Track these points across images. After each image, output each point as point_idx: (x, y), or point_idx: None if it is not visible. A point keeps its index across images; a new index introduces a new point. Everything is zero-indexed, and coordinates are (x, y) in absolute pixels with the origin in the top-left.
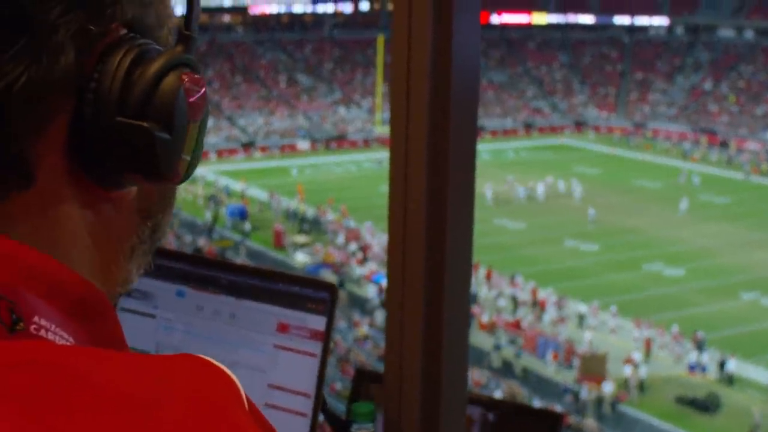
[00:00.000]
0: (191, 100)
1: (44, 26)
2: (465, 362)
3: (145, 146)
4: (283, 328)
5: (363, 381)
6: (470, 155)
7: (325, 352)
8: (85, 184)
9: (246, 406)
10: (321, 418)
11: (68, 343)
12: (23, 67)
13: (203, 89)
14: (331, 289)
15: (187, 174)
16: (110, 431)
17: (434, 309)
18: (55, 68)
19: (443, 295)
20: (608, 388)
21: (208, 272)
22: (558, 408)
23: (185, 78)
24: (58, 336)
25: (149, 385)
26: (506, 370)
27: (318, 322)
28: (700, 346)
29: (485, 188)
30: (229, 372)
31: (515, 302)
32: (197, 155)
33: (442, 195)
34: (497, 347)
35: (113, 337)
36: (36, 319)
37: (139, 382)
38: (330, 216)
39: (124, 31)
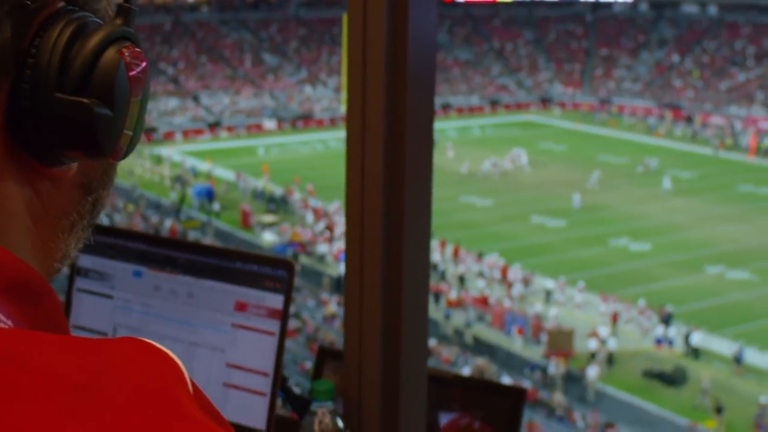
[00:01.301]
0: (132, 74)
1: None
2: (424, 339)
3: (85, 123)
4: (241, 306)
5: (325, 359)
6: (428, 131)
7: (283, 330)
8: (25, 161)
9: (190, 390)
10: (282, 396)
11: (6, 326)
12: None
13: (144, 63)
14: (289, 267)
15: (129, 150)
16: (50, 416)
17: (393, 286)
18: None
19: (402, 272)
20: (593, 371)
21: (164, 252)
22: (524, 383)
23: (125, 52)
24: None
25: (90, 369)
26: (458, 338)
27: (276, 301)
28: (666, 320)
29: (450, 164)
30: (173, 355)
31: (483, 278)
32: (139, 131)
33: (400, 173)
34: (447, 316)
35: (53, 320)
36: None
37: (79, 365)
38: (297, 195)
39: (62, 4)
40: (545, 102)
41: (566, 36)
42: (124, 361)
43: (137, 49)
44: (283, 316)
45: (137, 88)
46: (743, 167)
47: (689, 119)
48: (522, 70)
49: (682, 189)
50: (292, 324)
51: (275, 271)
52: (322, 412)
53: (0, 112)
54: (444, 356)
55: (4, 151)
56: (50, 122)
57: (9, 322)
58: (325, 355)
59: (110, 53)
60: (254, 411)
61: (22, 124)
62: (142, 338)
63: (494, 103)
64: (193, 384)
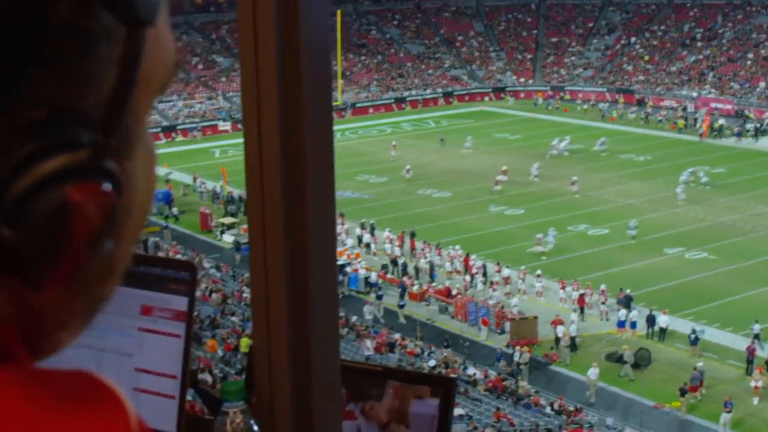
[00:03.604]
0: (77, 216)
1: None
2: (335, 331)
3: (8, 256)
4: (146, 310)
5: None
6: (326, 126)
7: (189, 332)
8: None
9: (134, 428)
10: (196, 397)
11: None
12: None
13: (101, 204)
14: (191, 269)
15: (81, 281)
16: None
17: (298, 273)
18: None
19: (306, 263)
20: (593, 372)
21: None
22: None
23: (77, 192)
24: None
25: (32, 403)
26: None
27: (180, 303)
28: (627, 303)
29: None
30: (119, 394)
31: (430, 268)
32: (93, 260)
33: (300, 163)
34: (379, 297)
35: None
36: None
37: (22, 399)
38: None
39: (37, 112)
40: (498, 92)
41: (516, 25)
42: (68, 398)
43: (97, 188)
44: (188, 318)
45: (81, 231)
46: (697, 148)
47: (641, 103)
48: (474, 61)
49: (638, 173)
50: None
51: (178, 274)
52: (234, 412)
53: None
54: (409, 349)
55: None
56: None
57: None
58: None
59: (55, 190)
60: (164, 414)
61: None
62: (92, 373)
63: (448, 95)
64: (140, 421)
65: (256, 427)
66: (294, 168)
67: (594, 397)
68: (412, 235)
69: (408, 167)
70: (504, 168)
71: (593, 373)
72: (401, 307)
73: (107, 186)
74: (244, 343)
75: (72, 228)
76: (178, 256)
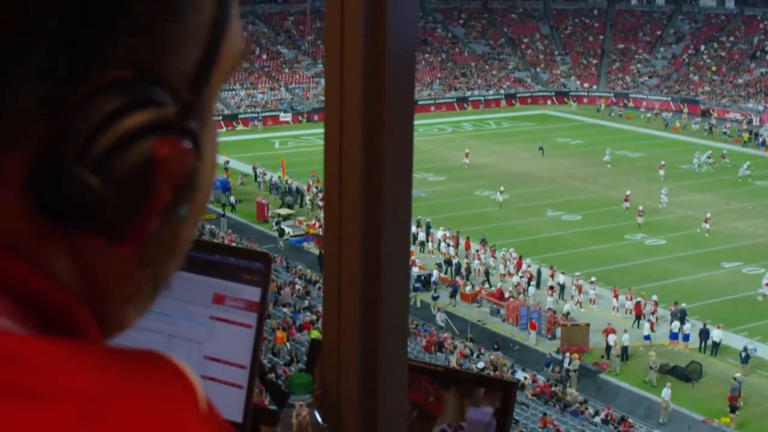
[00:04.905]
0: (161, 170)
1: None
2: (404, 328)
3: (92, 206)
4: (218, 299)
5: (318, 352)
6: (407, 116)
7: (260, 323)
8: (54, 227)
9: (203, 409)
10: (262, 388)
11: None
12: None
13: (183, 162)
14: (266, 260)
15: (158, 238)
16: (53, 423)
17: (372, 274)
18: (17, 104)
19: (381, 260)
20: (666, 393)
21: None
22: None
23: (162, 146)
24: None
25: (102, 379)
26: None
27: (253, 293)
28: (680, 315)
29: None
30: (188, 373)
31: (485, 272)
32: (172, 219)
33: (379, 159)
34: (415, 289)
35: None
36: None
37: (93, 375)
38: (313, 188)
39: (123, 72)
40: (561, 96)
41: (583, 30)
42: (138, 376)
43: (182, 146)
44: (261, 308)
45: (168, 184)
46: (760, 162)
47: (706, 114)
48: (538, 64)
49: (699, 184)
50: (307, 317)
51: (253, 264)
52: (300, 405)
53: (21, 170)
54: (459, 350)
55: (29, 213)
56: (64, 195)
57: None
58: (317, 348)
59: (141, 144)
60: (232, 403)
61: (42, 190)
62: (162, 353)
63: (510, 97)
64: (209, 402)
65: (321, 421)
66: (374, 167)
67: (667, 419)
68: (483, 242)
69: (501, 188)
70: (627, 193)
71: (666, 393)
72: (435, 299)
73: (188, 144)
74: (314, 334)
75: (155, 181)
76: (234, 245)
